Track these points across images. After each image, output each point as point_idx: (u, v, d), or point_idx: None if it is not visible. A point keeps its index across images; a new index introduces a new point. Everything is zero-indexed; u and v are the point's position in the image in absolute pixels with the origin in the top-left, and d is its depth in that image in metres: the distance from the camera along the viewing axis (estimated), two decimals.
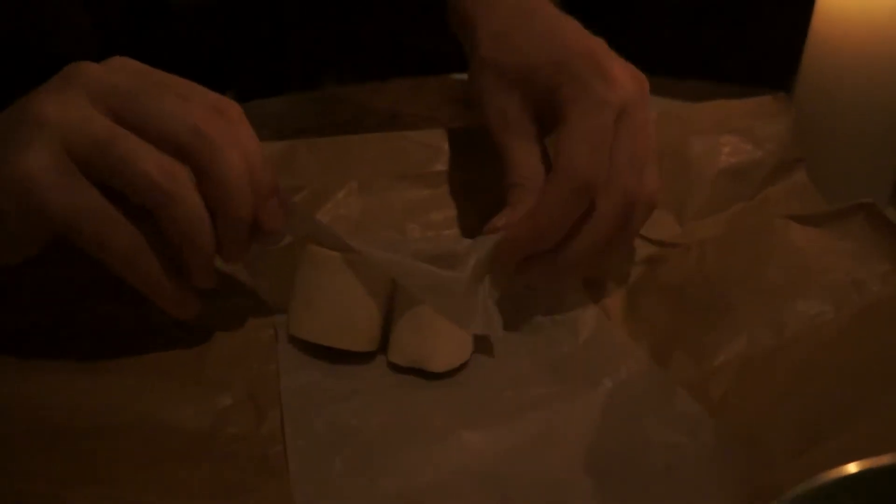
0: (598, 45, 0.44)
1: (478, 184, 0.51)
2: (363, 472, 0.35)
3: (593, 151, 0.40)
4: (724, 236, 0.48)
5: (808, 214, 0.47)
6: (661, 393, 0.40)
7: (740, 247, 0.47)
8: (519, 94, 0.45)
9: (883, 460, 0.24)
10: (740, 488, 0.34)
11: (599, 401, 0.40)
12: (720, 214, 0.51)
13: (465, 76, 0.73)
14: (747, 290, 0.44)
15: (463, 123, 0.64)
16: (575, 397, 0.40)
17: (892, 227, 0.44)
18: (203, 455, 0.36)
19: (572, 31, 0.45)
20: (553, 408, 0.39)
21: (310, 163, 0.50)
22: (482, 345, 0.43)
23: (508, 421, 0.38)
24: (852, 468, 0.24)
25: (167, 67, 0.38)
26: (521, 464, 0.36)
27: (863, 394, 0.37)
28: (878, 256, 0.44)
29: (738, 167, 0.52)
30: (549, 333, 0.45)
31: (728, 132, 0.53)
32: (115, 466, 0.34)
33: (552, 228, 0.41)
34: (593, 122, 0.40)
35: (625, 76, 0.42)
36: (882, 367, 0.38)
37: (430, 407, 0.39)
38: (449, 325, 0.41)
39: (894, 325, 0.41)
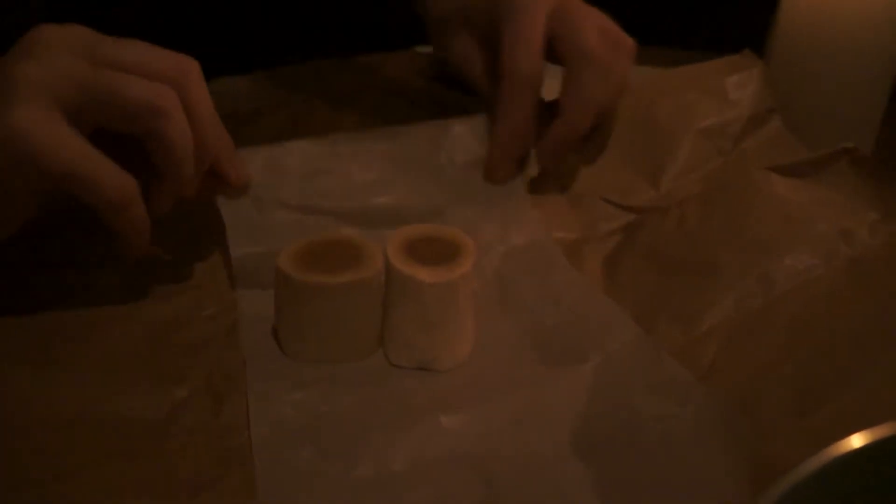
0: None
1: None
2: (335, 459, 0.33)
3: (527, 46, 0.45)
4: (703, 195, 0.46)
5: (789, 164, 0.45)
6: (647, 361, 0.38)
7: (721, 204, 0.45)
8: (467, 34, 0.51)
9: (885, 430, 0.23)
10: (740, 460, 0.32)
11: (586, 377, 0.37)
12: (696, 174, 0.49)
13: (428, 48, 0.71)
14: (732, 247, 0.42)
15: (429, 96, 0.62)
16: (560, 376, 0.37)
17: (878, 173, 0.42)
18: (156, 449, 0.33)
19: None
20: (537, 388, 0.36)
21: None
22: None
23: (489, 403, 0.36)
24: (856, 441, 0.22)
25: None
26: (504, 447, 0.33)
27: (859, 354, 0.35)
28: (866, 205, 0.42)
29: (711, 126, 0.50)
30: (533, 308, 0.42)
31: (698, 92, 0.51)
32: (58, 464, 0.32)
33: (523, 125, 0.46)
34: (521, 22, 0.45)
35: None
36: (877, 324, 0.37)
37: (405, 391, 0.37)
38: (455, 323, 0.38)
39: (886, 278, 0.39)
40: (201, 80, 0.39)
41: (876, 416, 0.23)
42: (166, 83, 0.37)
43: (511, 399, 0.36)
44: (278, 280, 0.37)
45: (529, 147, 0.48)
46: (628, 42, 0.47)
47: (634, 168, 0.49)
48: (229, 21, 0.90)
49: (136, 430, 0.34)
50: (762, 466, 0.31)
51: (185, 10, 0.84)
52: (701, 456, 0.33)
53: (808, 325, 0.38)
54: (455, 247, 0.38)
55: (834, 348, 0.36)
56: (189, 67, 0.38)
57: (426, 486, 0.32)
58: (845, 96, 0.52)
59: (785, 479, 0.21)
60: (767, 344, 0.37)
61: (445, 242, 0.39)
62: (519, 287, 0.43)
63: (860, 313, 0.37)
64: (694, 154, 0.49)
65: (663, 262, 0.43)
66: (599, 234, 0.47)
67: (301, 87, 0.68)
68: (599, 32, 0.46)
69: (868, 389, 0.33)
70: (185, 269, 0.43)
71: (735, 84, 0.51)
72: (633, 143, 0.49)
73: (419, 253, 0.38)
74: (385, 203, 0.46)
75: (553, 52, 0.46)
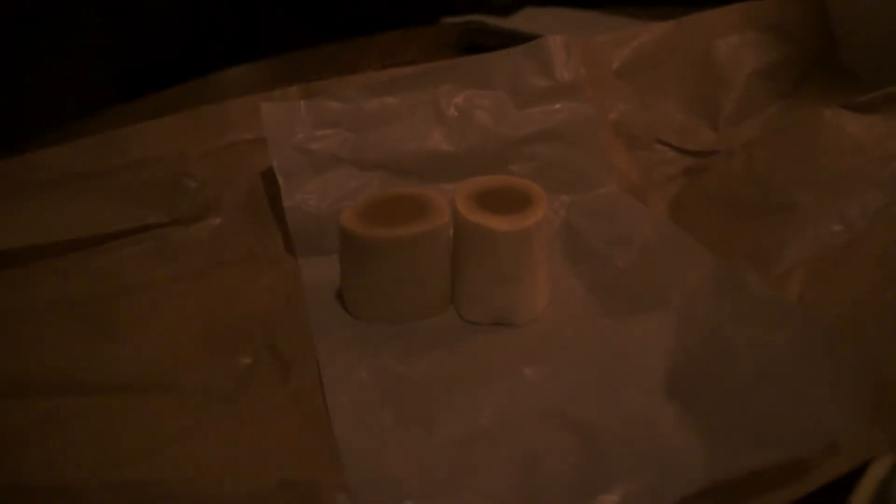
0: None
1: None
2: (417, 420, 0.31)
3: None
4: (770, 136, 0.44)
5: (860, 101, 0.43)
6: (733, 289, 0.35)
7: (790, 143, 0.43)
8: None
9: None
10: (851, 389, 0.30)
11: (670, 318, 0.35)
12: (758, 116, 0.47)
13: (457, 19, 0.69)
14: (806, 187, 0.40)
15: None
16: (643, 319, 0.35)
17: None
18: (233, 420, 0.31)
19: None
20: (620, 335, 0.35)
21: None
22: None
23: (573, 355, 0.34)
24: None
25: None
26: (594, 399, 0.31)
27: None
28: None
29: (769, 65, 0.48)
30: (604, 254, 0.40)
31: (753, 30, 0.49)
32: (142, 442, 0.30)
33: None
34: None
35: None
36: None
37: (482, 347, 0.35)
38: (530, 274, 0.36)
39: None
40: None
41: None
42: None
43: (595, 349, 0.34)
44: (342, 239, 0.36)
45: None
46: None
47: (691, 110, 0.47)
48: (242, 8, 0.89)
49: (208, 401, 0.32)
50: (881, 393, 0.29)
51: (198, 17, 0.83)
52: (805, 386, 0.30)
53: None
54: (525, 196, 0.36)
55: None
56: None
57: (518, 440, 0.30)
58: None
59: None
60: (860, 278, 0.35)
61: (515, 192, 0.37)
62: (588, 233, 0.41)
63: None
64: (751, 96, 0.48)
65: (734, 204, 0.41)
66: (660, 178, 0.45)
67: (321, 69, 0.66)
68: None
69: None
70: (238, 240, 0.41)
71: (791, 22, 0.49)
72: (689, 84, 0.48)
73: (489, 203, 0.36)
74: (443, 151, 0.44)
75: None
